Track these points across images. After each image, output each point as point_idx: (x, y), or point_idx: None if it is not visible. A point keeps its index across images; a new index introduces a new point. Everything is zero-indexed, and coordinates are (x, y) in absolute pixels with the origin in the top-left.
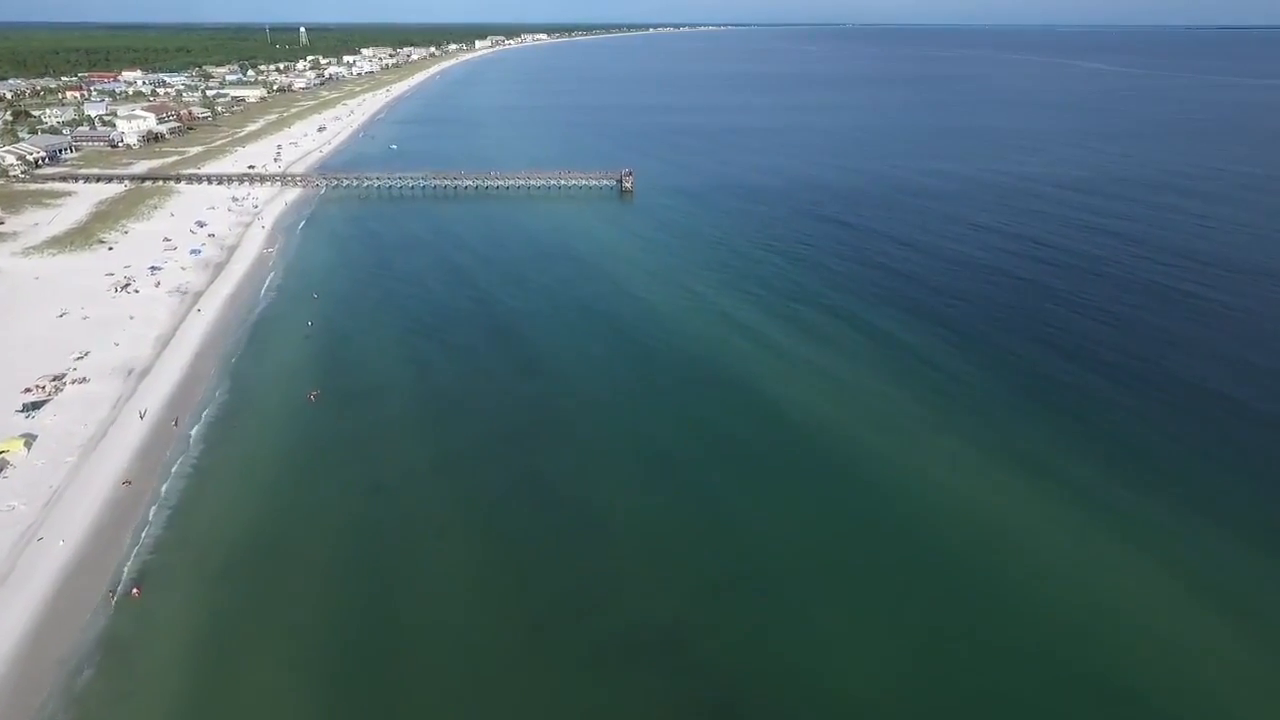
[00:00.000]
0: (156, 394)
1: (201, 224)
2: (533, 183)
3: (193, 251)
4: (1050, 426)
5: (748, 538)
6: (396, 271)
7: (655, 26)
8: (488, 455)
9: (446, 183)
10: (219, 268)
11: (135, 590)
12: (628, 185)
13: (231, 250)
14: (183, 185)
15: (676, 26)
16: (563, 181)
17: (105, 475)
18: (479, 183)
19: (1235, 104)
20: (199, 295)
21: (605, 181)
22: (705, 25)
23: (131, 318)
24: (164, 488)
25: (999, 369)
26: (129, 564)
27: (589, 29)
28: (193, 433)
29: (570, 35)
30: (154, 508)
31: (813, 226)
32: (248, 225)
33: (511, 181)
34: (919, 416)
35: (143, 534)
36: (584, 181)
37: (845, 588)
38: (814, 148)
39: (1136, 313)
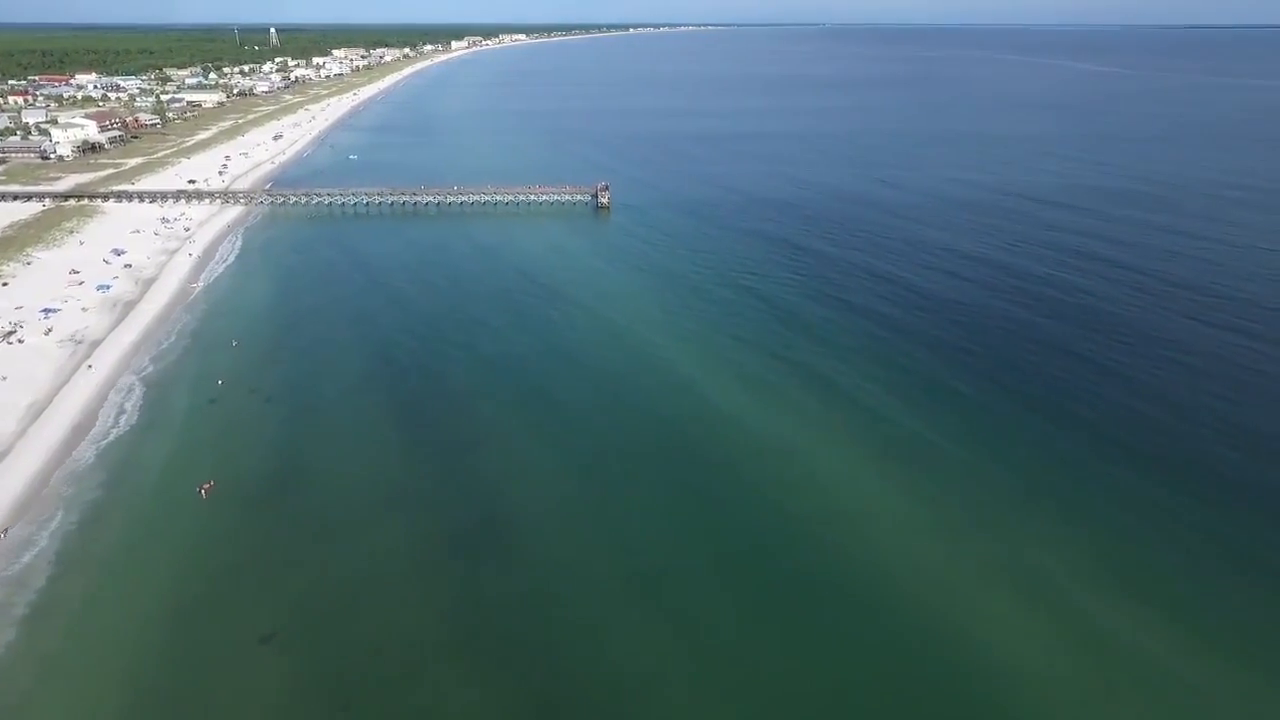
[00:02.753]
0: (3, 492)
1: (119, 252)
2: (500, 198)
3: (100, 287)
4: (1078, 538)
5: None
6: (334, 312)
7: (635, 27)
8: (414, 580)
9: (405, 199)
10: (128, 307)
11: None
12: (604, 200)
13: (148, 284)
14: (110, 204)
15: (656, 27)
16: (533, 197)
17: None
18: (441, 199)
19: (1234, 106)
20: (95, 345)
21: (580, 197)
22: (685, 25)
23: (4, 379)
24: None
25: (1011, 454)
26: None
27: (568, 29)
28: (34, 553)
29: (549, 36)
30: None
31: (798, 256)
32: (173, 253)
33: (477, 197)
34: (924, 522)
35: None
36: (557, 197)
37: None
38: (799, 157)
39: (1175, 373)
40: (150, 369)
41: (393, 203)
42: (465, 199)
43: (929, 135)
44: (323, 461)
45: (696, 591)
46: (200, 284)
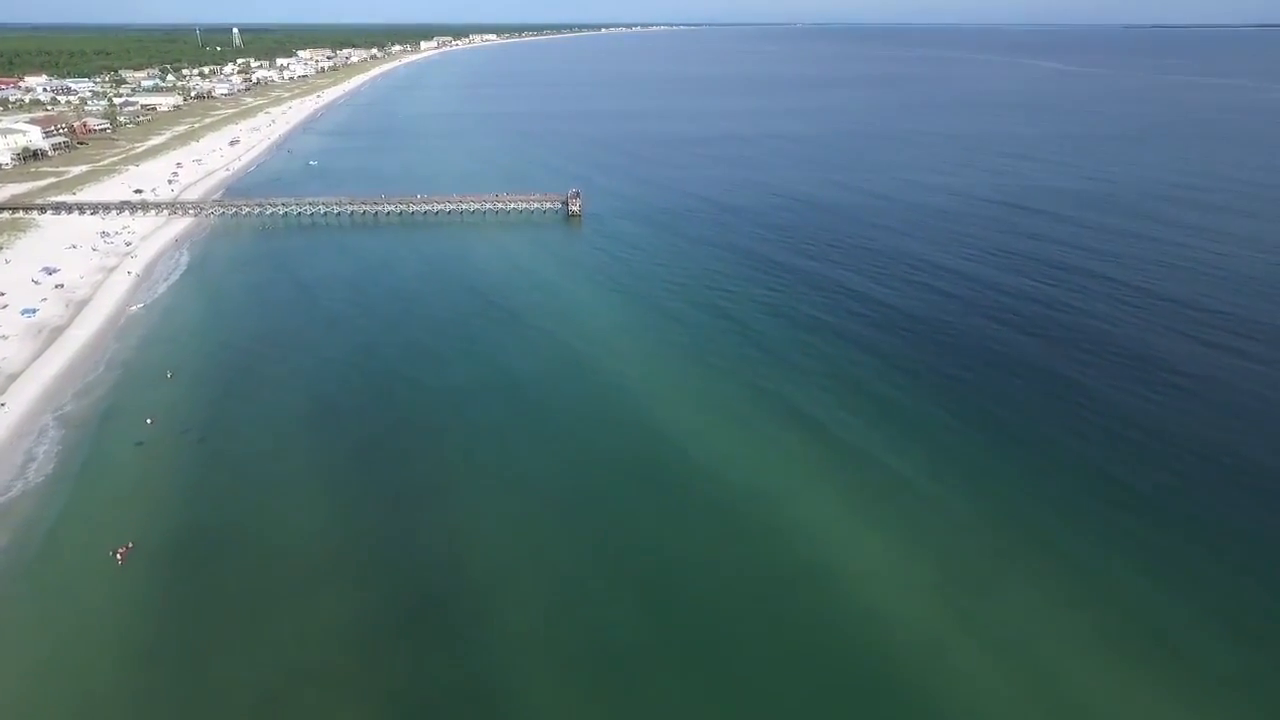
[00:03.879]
0: None
1: (50, 271)
2: (466, 207)
3: (25, 311)
4: (1089, 599)
5: None
6: (280, 338)
7: (607, 27)
8: (352, 669)
9: (365, 209)
10: (55, 334)
11: None
12: (575, 209)
13: (80, 307)
14: (47, 217)
15: (629, 26)
16: (501, 206)
17: None
18: (404, 208)
19: (1206, 105)
20: (12, 379)
21: (549, 205)
22: (657, 25)
23: None
24: None
25: (1009, 498)
26: None
27: (539, 29)
28: None
29: (520, 36)
30: None
31: (775, 271)
32: (111, 270)
33: (442, 206)
34: (920, 582)
35: None
36: (526, 205)
37: None
38: (774, 161)
39: (1175, 400)
40: (71, 407)
41: (352, 213)
42: (430, 208)
43: (905, 136)
44: (256, 519)
45: (676, 675)
46: (138, 306)
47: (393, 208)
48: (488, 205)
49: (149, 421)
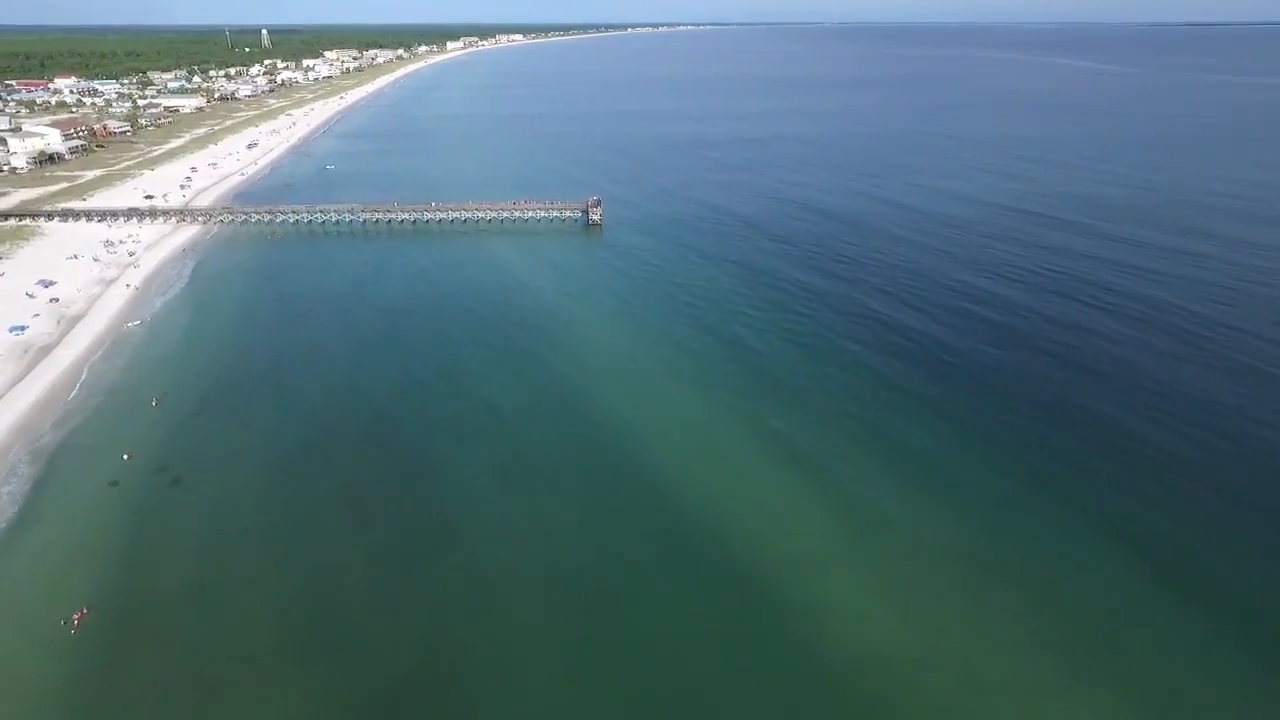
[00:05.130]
0: None
1: (46, 283)
2: (483, 215)
3: (14, 328)
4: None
5: None
6: (277, 359)
7: (633, 27)
8: None
9: (379, 216)
10: (42, 354)
11: None
12: (595, 217)
13: (73, 323)
14: (54, 224)
15: (655, 26)
16: (519, 214)
17: None
18: (417, 216)
19: (1249, 105)
20: None
21: (569, 213)
22: (684, 25)
23: None
24: None
25: (1079, 582)
26: None
27: (566, 29)
28: None
29: (547, 36)
30: None
31: (802, 286)
32: (110, 283)
33: (458, 214)
34: (992, 681)
35: None
36: (545, 214)
37: None
38: (801, 165)
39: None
40: (48, 438)
41: (364, 220)
42: (446, 216)
43: (937, 140)
44: (228, 579)
45: None
46: (133, 323)
47: (407, 215)
48: (505, 213)
49: (126, 457)
